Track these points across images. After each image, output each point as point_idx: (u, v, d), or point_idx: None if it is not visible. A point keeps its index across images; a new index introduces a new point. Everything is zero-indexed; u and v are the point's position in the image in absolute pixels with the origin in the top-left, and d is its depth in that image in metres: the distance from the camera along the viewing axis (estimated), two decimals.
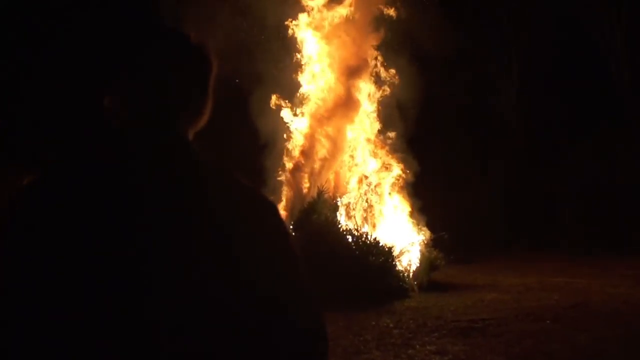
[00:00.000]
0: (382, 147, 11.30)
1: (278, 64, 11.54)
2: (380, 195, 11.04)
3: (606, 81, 18.33)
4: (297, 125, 11.20)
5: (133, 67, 1.17)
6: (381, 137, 11.38)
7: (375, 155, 11.26)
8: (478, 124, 18.81)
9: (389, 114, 11.39)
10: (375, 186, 11.03)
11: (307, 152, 11.03)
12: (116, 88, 1.17)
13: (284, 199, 11.03)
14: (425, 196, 11.49)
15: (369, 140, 11.34)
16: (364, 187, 11.01)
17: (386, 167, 11.22)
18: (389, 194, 11.11)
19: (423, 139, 11.70)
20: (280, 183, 11.14)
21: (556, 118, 18.50)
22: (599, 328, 6.71)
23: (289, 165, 11.14)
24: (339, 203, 10.50)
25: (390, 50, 11.33)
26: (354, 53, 11.09)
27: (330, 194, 10.49)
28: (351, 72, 11.12)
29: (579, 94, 17.81)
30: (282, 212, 10.95)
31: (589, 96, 17.81)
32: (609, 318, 7.31)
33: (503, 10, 19.14)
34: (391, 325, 7.19)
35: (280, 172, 11.14)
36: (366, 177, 11.08)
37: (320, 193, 10.11)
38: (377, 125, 11.35)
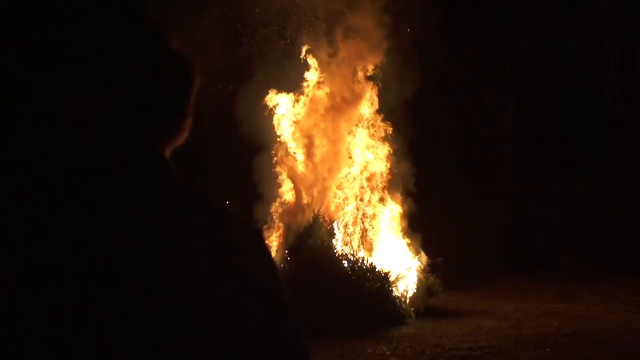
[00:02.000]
0: (379, 171, 11.24)
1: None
2: (376, 220, 10.94)
3: (601, 107, 18.45)
4: (293, 148, 11.15)
5: (103, 74, 1.05)
6: (378, 160, 11.33)
7: (371, 180, 11.19)
8: (473, 149, 18.87)
9: (384, 139, 11.35)
10: (371, 212, 10.94)
11: (302, 177, 10.96)
12: (84, 98, 1.05)
13: (279, 224, 10.92)
14: (422, 221, 11.41)
15: (365, 163, 11.29)
16: (360, 212, 10.92)
17: (383, 192, 11.14)
18: (385, 218, 11.01)
19: (419, 163, 11.65)
20: (276, 208, 11.05)
21: (551, 143, 18.56)
22: (600, 356, 6.57)
23: (284, 189, 11.06)
24: (334, 227, 10.40)
25: (384, 75, 11.36)
26: (346, 85, 11.16)
27: (326, 218, 10.40)
28: (346, 102, 11.16)
29: (573, 120, 17.91)
30: (277, 237, 10.84)
31: (583, 122, 17.91)
32: (610, 345, 7.17)
33: (497, 37, 19.33)
34: (388, 352, 7.04)
35: (275, 197, 11.06)
36: (362, 200, 10.99)
37: (316, 217, 10.03)
38: (373, 150, 11.30)
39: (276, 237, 10.87)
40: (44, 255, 0.93)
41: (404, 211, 11.15)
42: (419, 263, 10.59)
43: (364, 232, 10.78)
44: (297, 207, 10.82)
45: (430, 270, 10.56)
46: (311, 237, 9.74)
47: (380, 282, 9.46)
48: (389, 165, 11.21)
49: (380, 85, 11.34)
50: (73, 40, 1.05)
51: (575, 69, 18.44)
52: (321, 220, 10.09)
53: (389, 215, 11.04)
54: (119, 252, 0.95)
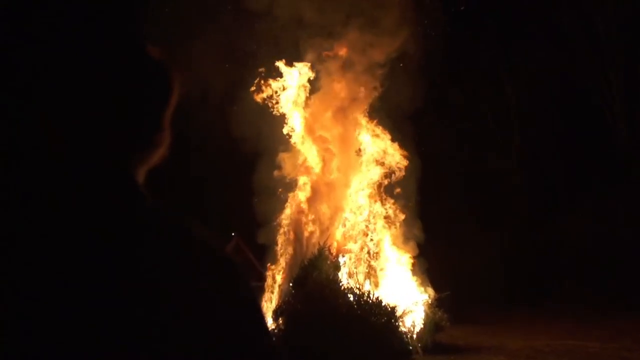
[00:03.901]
0: (385, 205, 11.15)
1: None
2: (382, 254, 10.80)
3: (606, 140, 18.42)
4: (298, 181, 11.09)
5: (67, 80, 0.92)
6: (384, 194, 11.24)
7: (377, 213, 11.08)
8: (480, 181, 18.80)
9: (391, 172, 11.29)
10: (377, 244, 10.81)
11: (308, 210, 10.87)
12: (48, 111, 0.92)
13: (284, 256, 10.79)
14: (428, 253, 11.27)
15: (371, 197, 11.19)
16: (366, 245, 10.79)
17: (389, 226, 11.03)
18: (392, 252, 10.87)
19: (425, 197, 11.57)
20: (281, 240, 10.93)
21: (557, 176, 18.48)
22: None
23: (290, 220, 10.96)
24: (340, 260, 10.24)
25: (389, 108, 11.36)
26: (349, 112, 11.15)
27: (332, 250, 10.25)
28: (351, 135, 11.16)
29: (579, 153, 17.87)
30: (282, 269, 10.69)
31: (589, 154, 17.86)
32: None
33: (502, 70, 19.44)
34: None
35: (280, 230, 10.95)
36: (367, 235, 10.86)
37: (321, 250, 9.88)
38: (379, 183, 11.23)
39: (281, 269, 10.72)
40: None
41: (410, 244, 11.01)
42: (426, 297, 10.40)
43: (370, 265, 10.62)
44: (302, 238, 10.70)
45: (437, 304, 10.35)
46: (316, 270, 9.57)
47: (386, 316, 9.25)
48: (394, 198, 11.13)
49: (385, 114, 11.36)
50: (39, 48, 0.94)
51: (579, 101, 18.49)
52: (326, 252, 9.94)
53: (396, 248, 10.91)
54: (74, 277, 0.83)
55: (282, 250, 10.87)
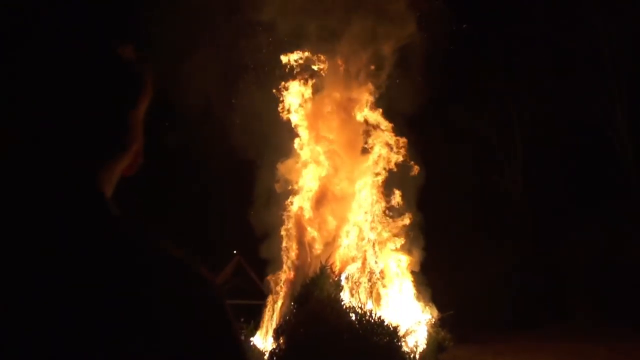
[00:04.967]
0: (388, 224, 11.06)
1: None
2: (384, 272, 10.69)
3: (611, 159, 18.34)
4: (299, 200, 11.04)
5: (17, 75, 0.83)
6: (387, 212, 11.16)
7: (380, 231, 10.99)
8: (483, 200, 18.71)
9: (394, 190, 11.23)
10: (379, 263, 10.70)
11: (309, 227, 10.80)
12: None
13: (286, 273, 10.70)
14: (431, 272, 11.16)
15: (374, 215, 11.12)
16: (368, 263, 10.68)
17: (391, 243, 10.94)
18: (394, 270, 10.76)
19: (429, 216, 11.49)
20: (283, 258, 10.85)
21: (561, 194, 18.37)
22: None
23: (291, 239, 10.88)
24: (342, 279, 10.14)
25: (393, 128, 11.34)
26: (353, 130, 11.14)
27: (334, 269, 10.15)
28: (354, 148, 11.13)
29: (583, 170, 17.78)
30: (283, 288, 10.58)
31: (593, 172, 17.77)
32: None
33: (506, 89, 19.46)
34: None
35: (282, 247, 10.88)
36: (369, 254, 10.76)
37: (323, 268, 9.78)
38: (382, 201, 11.16)
39: (282, 287, 10.62)
40: None
41: (413, 262, 10.90)
42: (429, 316, 10.25)
43: (372, 284, 10.50)
44: (305, 257, 10.61)
45: (440, 324, 10.20)
46: (317, 289, 9.47)
47: (389, 336, 9.11)
48: (397, 216, 11.05)
49: (390, 134, 11.32)
50: None
51: (582, 117, 18.45)
52: (328, 271, 9.84)
53: (398, 267, 10.80)
54: (31, 296, 0.75)
55: (283, 267, 10.78)
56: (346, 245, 10.81)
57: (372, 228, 10.90)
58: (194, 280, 0.86)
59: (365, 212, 10.98)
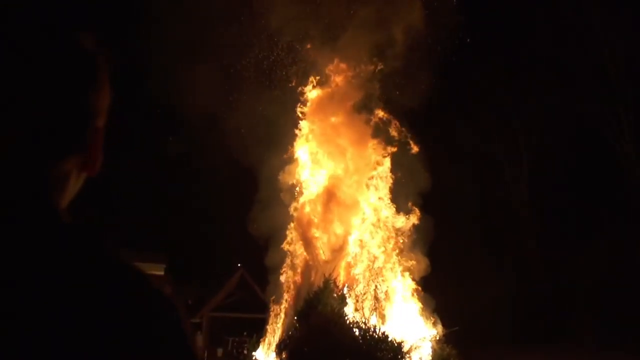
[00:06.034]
0: (392, 239, 10.99)
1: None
2: (389, 287, 10.59)
3: (618, 176, 18.25)
4: (302, 214, 11.00)
5: None
6: (392, 228, 11.09)
7: (384, 247, 10.91)
8: (489, 216, 18.65)
9: (399, 204, 11.18)
10: (384, 279, 10.61)
11: (312, 241, 10.74)
12: None
13: (290, 287, 10.62)
14: (437, 287, 11.05)
15: (378, 229, 11.05)
16: (373, 278, 10.59)
17: (396, 258, 10.86)
18: (399, 285, 10.66)
19: (433, 231, 11.41)
20: (285, 273, 10.78)
21: (567, 211, 18.27)
22: None
23: (295, 252, 10.82)
24: (346, 294, 10.04)
25: (400, 143, 11.33)
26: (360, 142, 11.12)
27: (337, 283, 10.06)
28: (359, 164, 11.11)
29: (589, 188, 17.69)
30: (286, 302, 10.50)
31: (600, 191, 17.67)
32: None
33: (512, 106, 19.45)
34: None
35: (285, 263, 10.82)
36: (373, 269, 10.68)
37: (327, 282, 9.69)
38: (387, 215, 11.09)
39: (285, 301, 10.53)
40: None
41: (418, 277, 10.81)
42: (434, 332, 10.13)
43: (376, 299, 10.39)
44: (308, 271, 10.54)
45: (445, 340, 10.08)
46: (321, 303, 9.38)
47: (393, 352, 9.01)
48: (403, 231, 10.98)
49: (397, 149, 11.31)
50: None
51: (589, 134, 18.39)
52: (332, 285, 9.75)
53: (403, 282, 10.70)
54: None
55: (287, 281, 10.71)
56: (352, 256, 10.73)
57: (377, 243, 10.83)
58: (147, 296, 0.77)
59: (372, 224, 10.92)
